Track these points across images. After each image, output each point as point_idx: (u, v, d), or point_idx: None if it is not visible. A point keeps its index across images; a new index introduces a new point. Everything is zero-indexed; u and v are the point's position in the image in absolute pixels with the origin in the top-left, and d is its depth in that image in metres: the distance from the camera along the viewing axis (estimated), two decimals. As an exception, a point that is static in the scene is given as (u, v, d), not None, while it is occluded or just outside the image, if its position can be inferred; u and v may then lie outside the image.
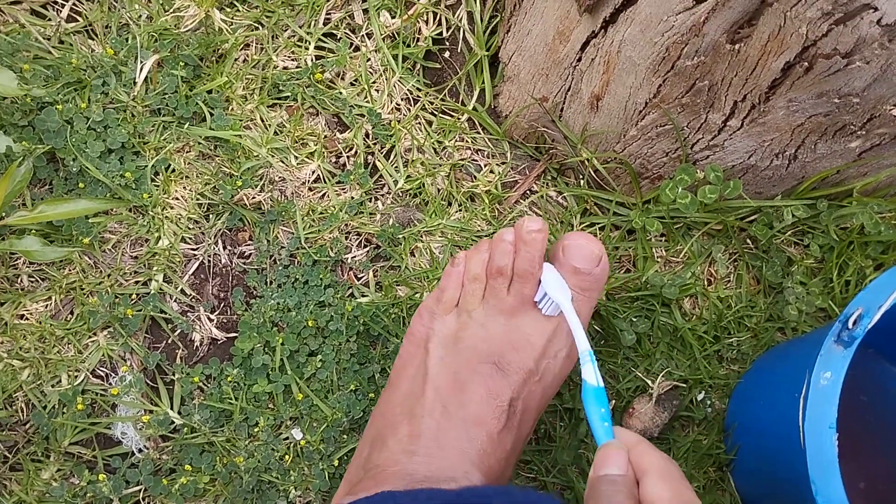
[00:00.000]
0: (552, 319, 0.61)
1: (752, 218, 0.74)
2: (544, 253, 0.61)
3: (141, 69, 0.77)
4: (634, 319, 0.72)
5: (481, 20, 0.80)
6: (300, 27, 0.84)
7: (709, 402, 0.73)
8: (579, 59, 0.67)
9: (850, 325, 0.53)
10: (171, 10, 0.81)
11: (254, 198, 0.77)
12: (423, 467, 0.56)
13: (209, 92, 0.80)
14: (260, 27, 0.84)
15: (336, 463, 0.72)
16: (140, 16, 0.82)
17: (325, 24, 0.85)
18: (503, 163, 0.80)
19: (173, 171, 0.78)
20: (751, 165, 0.67)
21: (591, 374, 0.56)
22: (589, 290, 0.61)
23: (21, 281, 0.74)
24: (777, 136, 0.62)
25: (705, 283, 0.75)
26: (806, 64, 0.53)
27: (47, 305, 0.74)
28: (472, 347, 0.61)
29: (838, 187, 0.69)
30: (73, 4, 0.83)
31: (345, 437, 0.73)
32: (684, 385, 0.72)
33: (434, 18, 0.84)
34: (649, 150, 0.69)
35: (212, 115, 0.79)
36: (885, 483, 0.70)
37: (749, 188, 0.71)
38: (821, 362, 0.53)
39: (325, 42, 0.84)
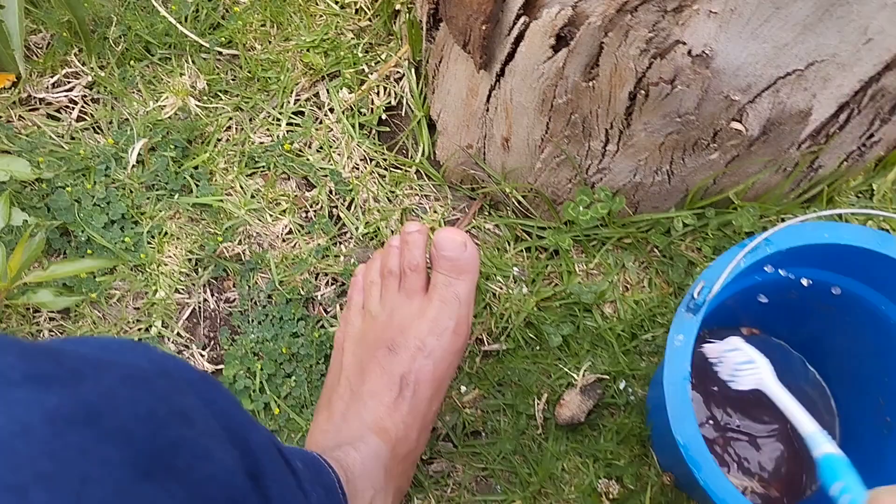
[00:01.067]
0: (435, 303, 0.73)
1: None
2: (425, 249, 0.76)
3: (132, 151, 0.92)
4: (560, 324, 0.84)
5: (418, 88, 0.95)
6: (273, 108, 1.00)
7: (630, 391, 0.83)
8: (487, 110, 0.80)
9: (695, 295, 0.64)
10: (159, 101, 0.96)
11: (234, 250, 0.91)
12: (331, 440, 0.70)
13: (195, 167, 0.95)
14: (240, 111, 0.99)
15: (313, 468, 0.83)
16: (137, 112, 0.98)
17: (294, 104, 1.00)
18: (445, 203, 0.93)
19: (166, 234, 0.92)
20: (638, 183, 0.79)
21: (830, 446, 0.54)
22: (463, 272, 0.73)
23: (42, 335, 0.88)
24: (648, 155, 0.74)
25: (622, 289, 0.87)
26: (644, 91, 0.66)
27: (65, 354, 0.88)
28: (372, 338, 0.75)
29: (720, 195, 0.81)
30: (81, 107, 0.99)
31: (320, 446, 0.84)
32: (608, 377, 0.83)
33: (384, 91, 0.99)
34: (555, 178, 0.82)
35: (197, 186, 0.94)
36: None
37: (646, 204, 0.83)
38: (674, 327, 0.64)
39: (294, 119, 0.99)
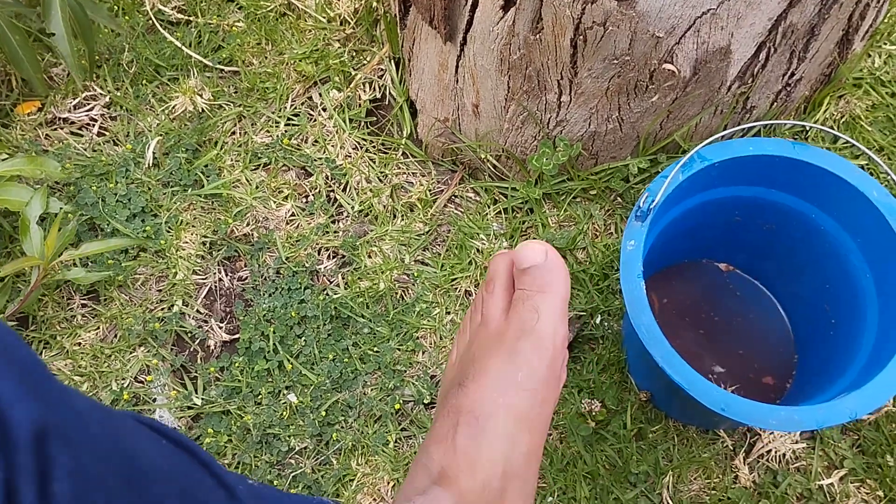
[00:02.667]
0: (511, 322, 0.60)
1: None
2: (506, 268, 0.63)
3: (148, 149, 1.03)
4: (538, 270, 0.93)
5: (398, 77, 1.06)
6: (272, 113, 1.11)
7: (606, 325, 0.92)
8: (457, 81, 0.91)
9: (641, 205, 0.74)
10: (169, 104, 1.08)
11: (243, 231, 1.01)
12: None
13: (205, 165, 1.06)
14: (243, 118, 1.11)
15: (323, 414, 0.92)
16: (151, 124, 1.10)
17: (291, 108, 1.11)
18: (430, 177, 1.04)
19: (182, 222, 1.02)
20: (594, 132, 0.89)
21: None
22: (546, 285, 0.59)
23: (76, 319, 0.98)
24: (598, 102, 0.85)
25: (591, 236, 0.96)
26: (582, 37, 0.77)
27: (97, 333, 0.98)
28: (448, 382, 0.65)
29: (668, 140, 0.91)
30: (101, 124, 1.11)
31: (328, 394, 0.93)
32: (585, 313, 0.92)
33: (369, 86, 1.10)
34: (521, 137, 0.92)
35: (208, 180, 1.05)
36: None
37: (604, 154, 0.93)
38: (626, 235, 0.73)
39: (292, 119, 1.10)
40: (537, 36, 0.79)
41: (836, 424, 0.66)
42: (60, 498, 0.34)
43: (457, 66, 0.89)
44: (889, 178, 0.90)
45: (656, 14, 0.75)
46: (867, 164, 0.97)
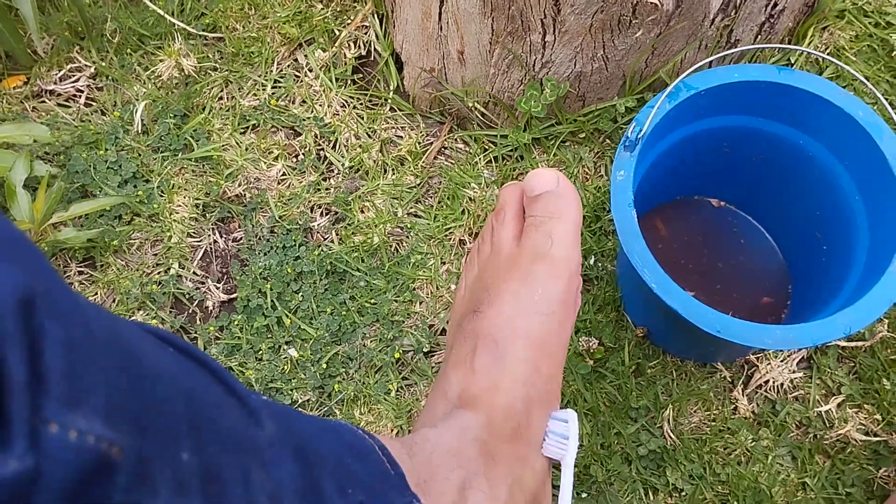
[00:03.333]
0: (525, 248, 0.61)
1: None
2: (517, 197, 0.64)
3: (136, 112, 1.03)
4: (531, 214, 0.94)
5: (382, 31, 1.06)
6: (258, 77, 1.11)
7: (601, 266, 0.93)
8: (441, 28, 0.91)
9: (629, 135, 0.74)
10: (154, 69, 1.08)
11: (235, 191, 1.02)
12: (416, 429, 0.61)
13: (194, 130, 1.06)
14: (229, 84, 1.11)
15: (324, 366, 0.93)
16: (139, 93, 1.10)
17: (277, 71, 1.11)
18: (418, 130, 1.04)
19: (174, 186, 1.03)
20: (579, 73, 0.90)
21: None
22: (558, 210, 0.60)
23: (74, 286, 0.98)
24: (583, 41, 0.85)
25: (582, 179, 0.97)
26: (563, -29, 0.77)
27: (95, 298, 0.98)
28: (461, 310, 0.66)
29: (654, 77, 0.91)
30: (88, 95, 1.11)
31: (328, 347, 0.94)
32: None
33: (354, 44, 1.10)
34: (508, 82, 0.92)
35: (198, 144, 1.05)
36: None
37: (591, 95, 0.93)
38: (616, 165, 0.74)
39: (279, 82, 1.10)
40: (519, -26, 0.79)
41: (832, 340, 0.67)
42: (54, 373, 0.29)
43: (440, 13, 0.90)
44: (879, 102, 0.90)
45: (636, -55, 0.75)
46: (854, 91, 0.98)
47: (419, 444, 0.54)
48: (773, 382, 0.90)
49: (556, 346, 0.58)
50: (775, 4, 0.87)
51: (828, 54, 0.99)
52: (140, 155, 1.04)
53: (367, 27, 1.10)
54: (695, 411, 0.89)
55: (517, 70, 0.90)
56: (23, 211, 0.87)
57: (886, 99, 0.97)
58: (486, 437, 0.54)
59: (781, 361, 0.90)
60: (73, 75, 1.12)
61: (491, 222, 0.65)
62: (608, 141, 0.97)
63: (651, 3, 0.81)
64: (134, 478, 0.33)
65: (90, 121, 1.08)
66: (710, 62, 0.75)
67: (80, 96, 1.11)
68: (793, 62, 0.97)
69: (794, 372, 0.90)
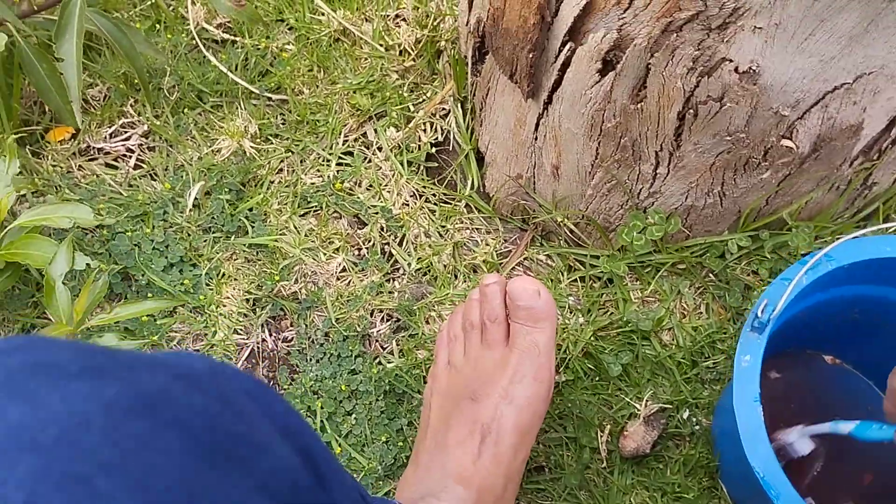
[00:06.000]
0: (515, 353, 0.72)
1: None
2: (504, 300, 0.75)
3: (189, 195, 0.94)
4: (619, 353, 0.83)
5: (464, 122, 0.96)
6: (323, 150, 1.01)
7: (695, 420, 0.82)
8: (536, 138, 0.81)
9: (759, 314, 0.63)
10: (213, 146, 0.99)
11: (290, 289, 0.92)
12: (416, 492, 0.70)
13: (250, 209, 0.97)
14: (291, 154, 1.01)
15: (374, 504, 0.83)
16: (192, 157, 1.01)
17: (343, 144, 1.01)
18: (496, 236, 0.94)
19: (224, 275, 0.93)
20: (690, 206, 0.79)
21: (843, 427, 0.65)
22: (540, 320, 0.72)
23: (107, 379, 0.90)
24: (700, 177, 0.74)
25: (679, 316, 0.86)
26: (693, 111, 0.66)
27: (128, 396, 0.89)
28: (456, 391, 0.75)
29: (773, 216, 0.80)
30: (138, 156, 1.02)
31: (380, 482, 0.84)
32: (670, 406, 0.82)
33: (431, 127, 1.00)
34: (606, 205, 0.82)
35: (252, 227, 0.96)
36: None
37: (699, 228, 0.82)
38: (741, 348, 0.63)
39: (344, 158, 1.01)
40: (638, 105, 0.69)
41: None
42: None
43: (537, 125, 0.79)
44: None
45: (781, 88, 0.64)
46: None
47: None
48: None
49: (533, 435, 0.72)
50: (926, 149, 0.75)
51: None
52: (189, 236, 0.95)
53: (445, 110, 0.99)
54: None
55: (619, 195, 0.80)
56: (62, 311, 0.78)
57: None
58: None
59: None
60: (125, 131, 1.04)
61: (478, 309, 0.77)
62: (711, 276, 0.86)
63: (786, 146, 0.70)
64: None
65: (138, 187, 0.99)
66: (858, 234, 0.64)
67: (130, 157, 1.02)
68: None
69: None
